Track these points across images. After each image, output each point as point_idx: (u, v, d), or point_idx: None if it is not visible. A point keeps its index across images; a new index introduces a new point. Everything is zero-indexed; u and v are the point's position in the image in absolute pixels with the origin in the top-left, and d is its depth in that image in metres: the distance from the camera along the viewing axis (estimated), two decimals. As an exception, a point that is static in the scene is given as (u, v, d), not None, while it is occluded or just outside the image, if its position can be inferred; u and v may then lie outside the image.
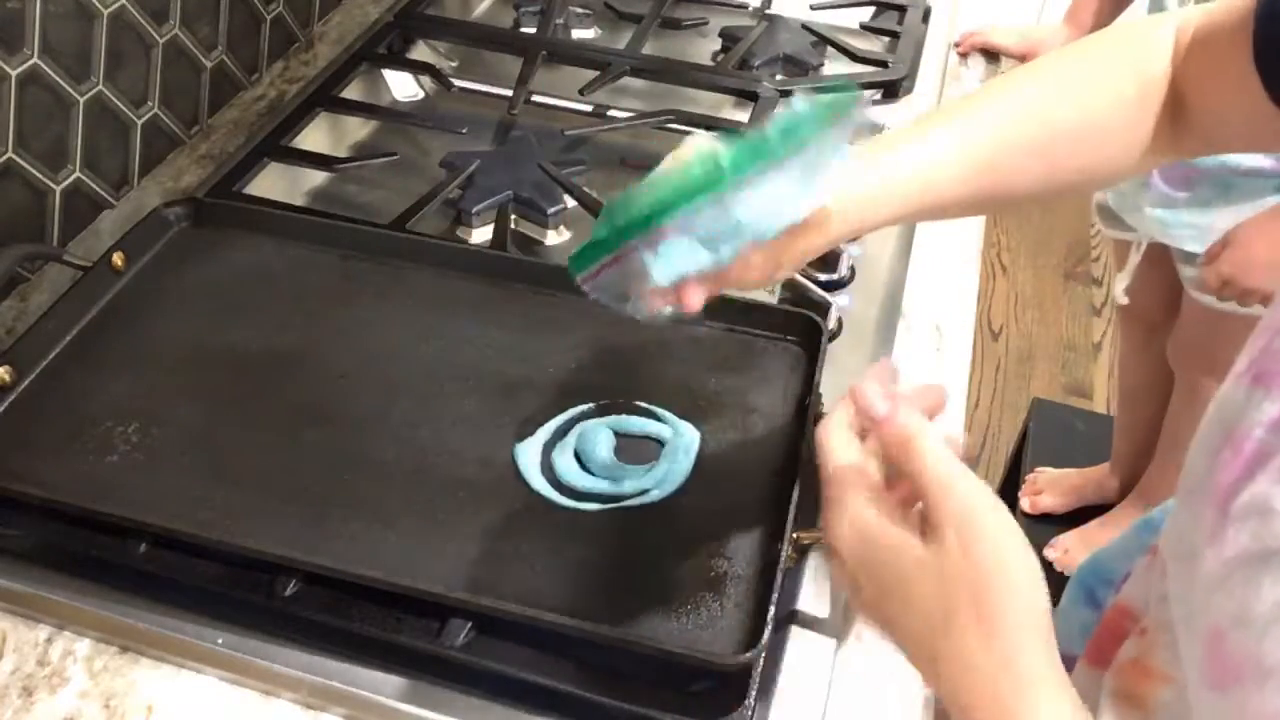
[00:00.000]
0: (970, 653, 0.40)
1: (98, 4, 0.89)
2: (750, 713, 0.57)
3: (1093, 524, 1.73)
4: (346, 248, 0.85)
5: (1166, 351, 1.48)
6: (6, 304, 0.85)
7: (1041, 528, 1.68)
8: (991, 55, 1.29)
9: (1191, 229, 1.30)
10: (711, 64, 1.19)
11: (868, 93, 1.13)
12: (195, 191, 0.93)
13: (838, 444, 0.47)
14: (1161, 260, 1.39)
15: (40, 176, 0.87)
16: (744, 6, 1.31)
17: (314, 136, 1.03)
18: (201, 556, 0.63)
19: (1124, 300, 1.48)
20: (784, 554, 0.60)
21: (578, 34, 1.25)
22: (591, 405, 0.72)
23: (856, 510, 0.44)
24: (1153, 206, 1.32)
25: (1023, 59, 1.39)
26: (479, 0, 1.35)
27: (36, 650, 0.62)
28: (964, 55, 1.26)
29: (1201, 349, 1.41)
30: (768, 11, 1.29)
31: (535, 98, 1.10)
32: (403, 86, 1.14)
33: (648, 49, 1.16)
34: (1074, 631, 0.67)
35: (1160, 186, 1.29)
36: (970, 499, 0.42)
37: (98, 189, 0.94)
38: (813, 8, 1.30)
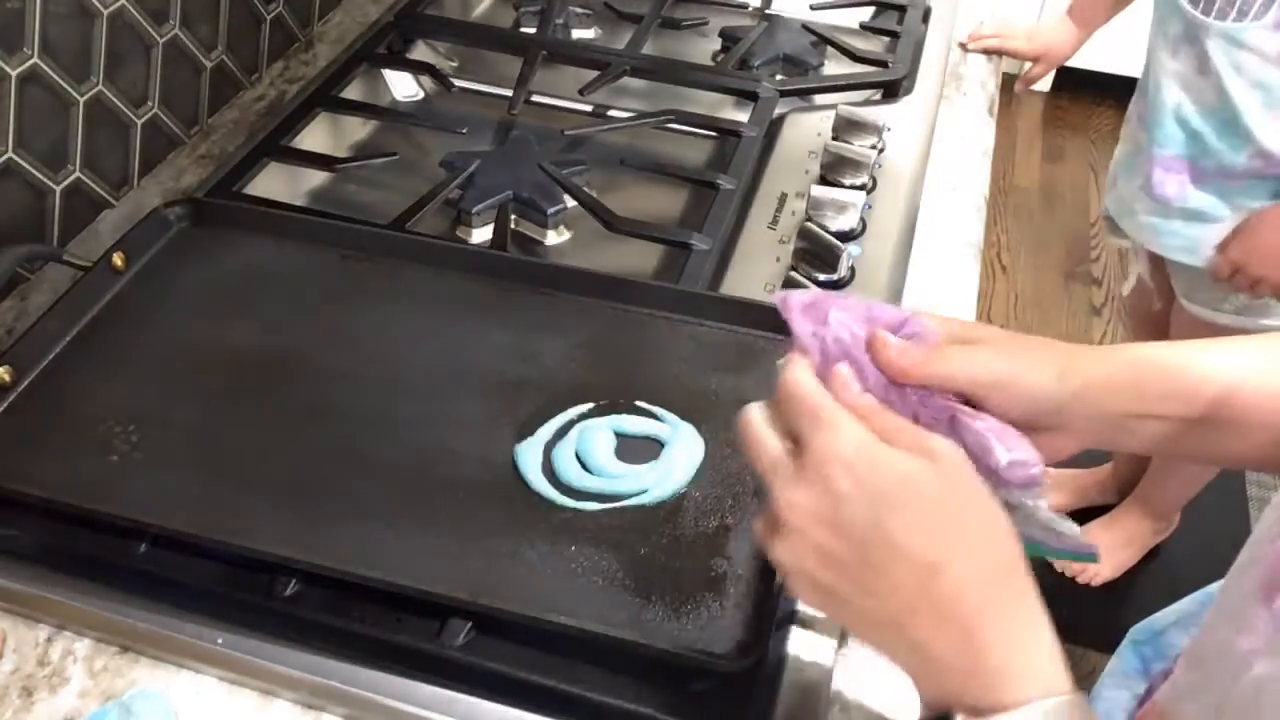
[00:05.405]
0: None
1: (98, 4, 0.89)
2: (751, 713, 0.58)
3: (1094, 524, 1.73)
4: (346, 248, 0.85)
5: None
6: (6, 304, 0.85)
7: (1042, 528, 1.68)
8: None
9: (1182, 239, 1.30)
10: (711, 64, 1.19)
11: (870, 92, 1.13)
12: (195, 191, 0.93)
13: (808, 381, 0.47)
14: (1164, 264, 1.39)
15: (40, 176, 0.87)
16: (744, 6, 1.30)
17: (314, 136, 1.03)
18: (201, 556, 0.63)
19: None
20: (784, 554, 0.60)
21: (578, 34, 1.25)
22: (591, 405, 0.72)
23: (851, 427, 0.45)
24: (1147, 215, 1.32)
25: (1035, 60, 1.40)
26: (479, 0, 1.35)
27: (36, 650, 0.62)
28: (965, 50, 1.26)
29: None
30: (768, 11, 1.29)
31: (535, 98, 1.10)
32: (403, 86, 1.14)
33: (648, 49, 1.16)
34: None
35: (1159, 190, 1.28)
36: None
37: (98, 189, 0.94)
38: (813, 8, 1.30)
